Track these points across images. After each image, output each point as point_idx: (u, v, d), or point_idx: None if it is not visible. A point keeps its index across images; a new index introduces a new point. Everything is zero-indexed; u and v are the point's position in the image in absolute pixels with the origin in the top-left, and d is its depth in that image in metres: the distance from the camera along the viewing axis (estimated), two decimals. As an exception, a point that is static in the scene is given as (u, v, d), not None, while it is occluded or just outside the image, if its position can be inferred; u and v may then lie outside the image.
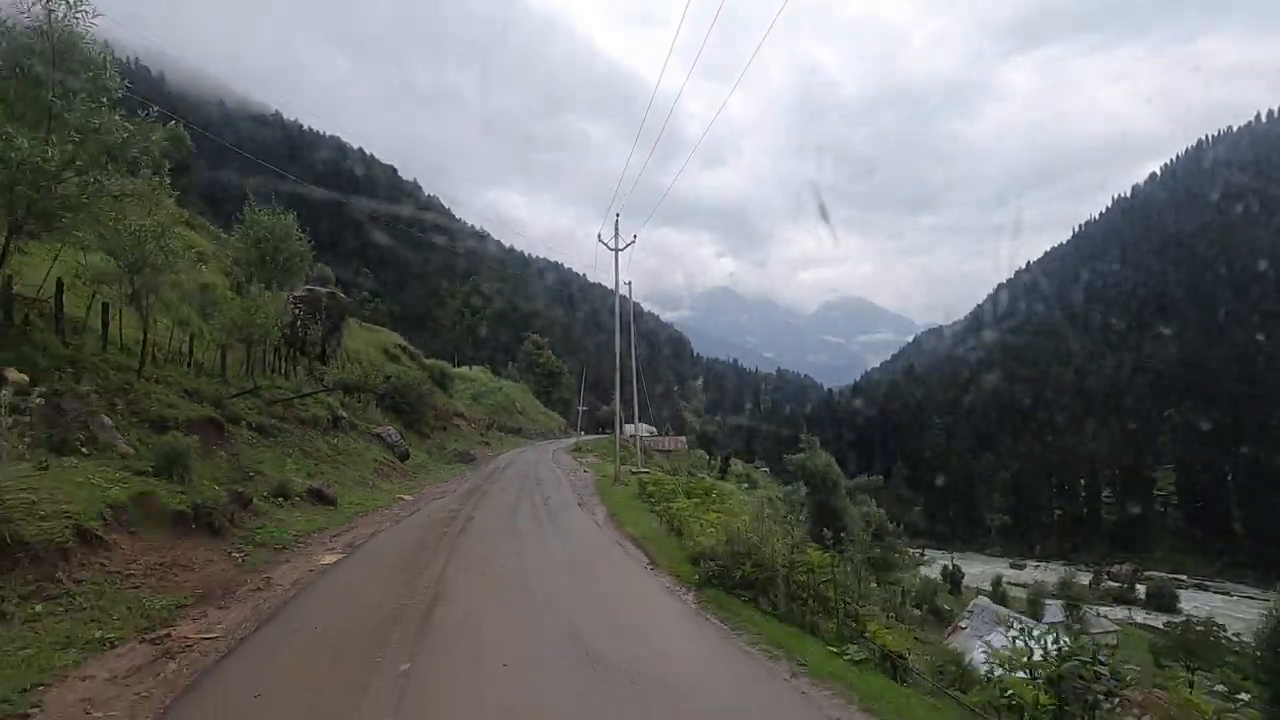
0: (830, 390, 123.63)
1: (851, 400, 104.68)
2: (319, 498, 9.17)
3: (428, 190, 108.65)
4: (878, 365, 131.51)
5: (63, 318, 8.24)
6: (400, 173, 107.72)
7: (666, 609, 5.28)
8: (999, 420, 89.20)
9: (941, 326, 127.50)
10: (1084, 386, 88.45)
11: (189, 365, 10.74)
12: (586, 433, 49.82)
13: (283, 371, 15.34)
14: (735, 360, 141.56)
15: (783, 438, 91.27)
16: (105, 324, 8.95)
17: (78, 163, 6.60)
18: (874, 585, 7.09)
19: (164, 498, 5.84)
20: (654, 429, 71.22)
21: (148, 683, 3.43)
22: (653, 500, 9.83)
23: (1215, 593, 65.47)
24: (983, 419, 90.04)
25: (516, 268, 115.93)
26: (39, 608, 3.90)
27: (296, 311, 17.15)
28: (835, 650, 4.48)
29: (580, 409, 55.00)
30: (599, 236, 16.78)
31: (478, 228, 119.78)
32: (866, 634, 4.41)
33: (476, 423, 35.78)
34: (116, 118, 6.99)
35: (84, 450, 6.52)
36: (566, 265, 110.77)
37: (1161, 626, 44.52)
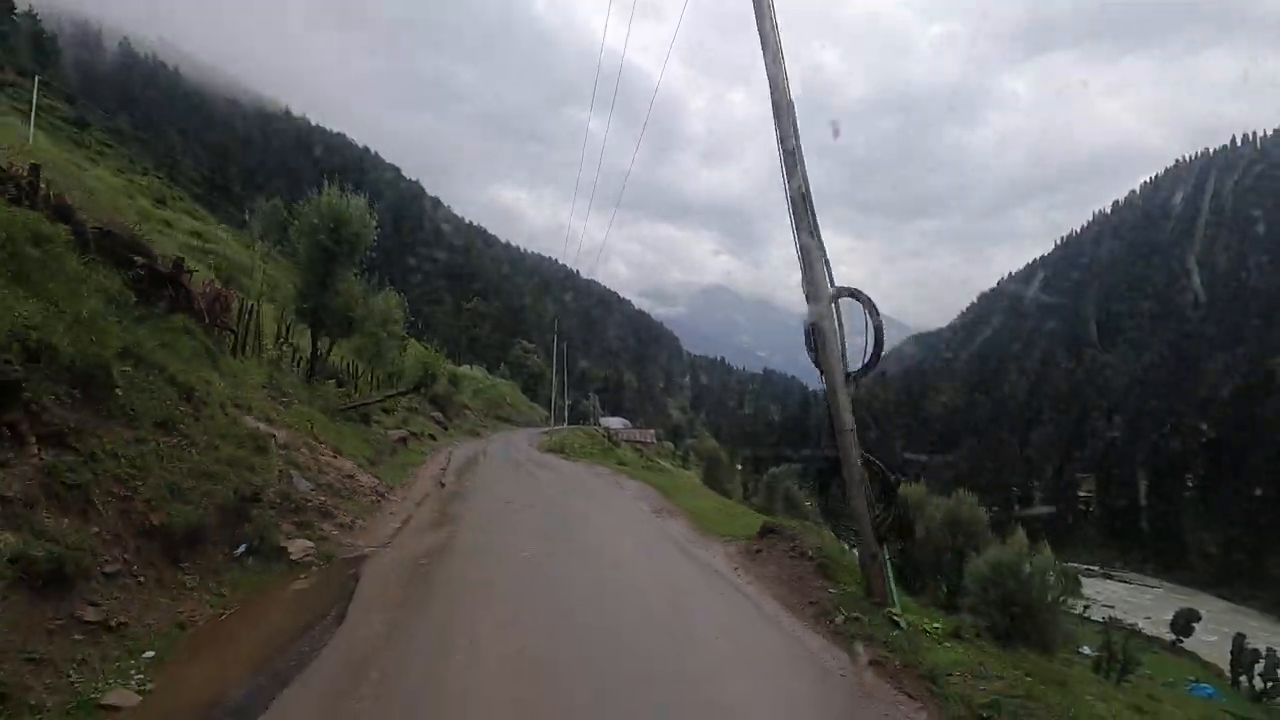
0: (815, 392, 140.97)
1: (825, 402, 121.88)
2: (432, 437, 26.68)
3: (431, 191, 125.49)
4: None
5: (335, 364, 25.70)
6: (404, 172, 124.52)
7: (536, 454, 22.74)
8: (954, 425, 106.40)
9: (924, 332, 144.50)
10: (1035, 396, 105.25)
11: (372, 381, 28.35)
12: (567, 424, 67.24)
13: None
14: (723, 359, 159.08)
15: (745, 433, 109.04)
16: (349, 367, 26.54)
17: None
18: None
19: (408, 429, 23.31)
20: (628, 422, 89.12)
21: (439, 461, 20.84)
22: (551, 440, 27.40)
23: (1119, 581, 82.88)
24: (940, 423, 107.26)
25: (513, 263, 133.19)
26: (413, 451, 21.20)
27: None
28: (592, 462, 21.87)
29: (565, 402, 72.59)
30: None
31: (476, 224, 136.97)
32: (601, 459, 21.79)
33: (477, 412, 53.32)
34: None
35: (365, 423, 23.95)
36: (560, 261, 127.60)
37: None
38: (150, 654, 4.22)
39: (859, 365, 6.17)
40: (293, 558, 6.16)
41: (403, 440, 19.29)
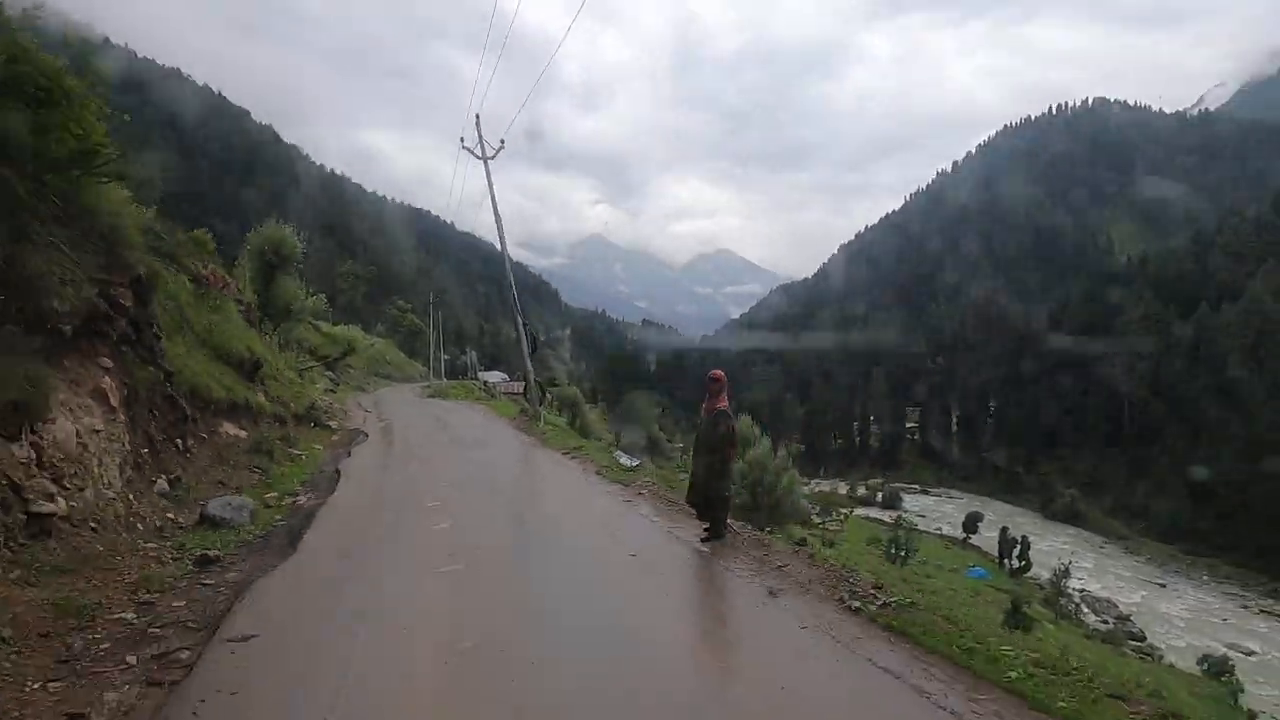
0: (689, 339, 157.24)
1: (696, 350, 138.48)
2: (332, 391, 36.63)
3: (287, 137, 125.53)
4: (737, 316, 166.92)
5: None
6: (255, 116, 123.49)
7: (422, 398, 33.69)
8: (807, 368, 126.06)
9: (791, 282, 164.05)
10: (875, 342, 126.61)
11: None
12: (446, 379, 76.88)
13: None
14: (603, 310, 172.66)
15: (620, 381, 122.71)
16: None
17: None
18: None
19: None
20: (506, 376, 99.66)
21: (352, 403, 31.20)
22: (433, 389, 38.17)
23: (933, 496, 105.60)
24: (795, 367, 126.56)
25: (382, 215, 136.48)
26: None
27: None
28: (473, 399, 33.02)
29: (443, 358, 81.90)
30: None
31: (341, 173, 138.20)
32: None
33: (359, 371, 62.22)
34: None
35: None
36: (434, 213, 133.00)
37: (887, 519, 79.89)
38: (318, 443, 15.37)
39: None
40: (332, 427, 17.24)
41: (324, 391, 29.60)
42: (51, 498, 5.84)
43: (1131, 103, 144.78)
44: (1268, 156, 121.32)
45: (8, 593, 4.56)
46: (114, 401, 7.52)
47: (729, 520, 6.70)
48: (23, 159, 6.34)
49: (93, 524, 6.29)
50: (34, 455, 5.81)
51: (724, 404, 6.52)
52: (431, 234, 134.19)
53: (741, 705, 3.50)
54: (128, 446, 7.75)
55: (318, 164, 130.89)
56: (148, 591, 5.34)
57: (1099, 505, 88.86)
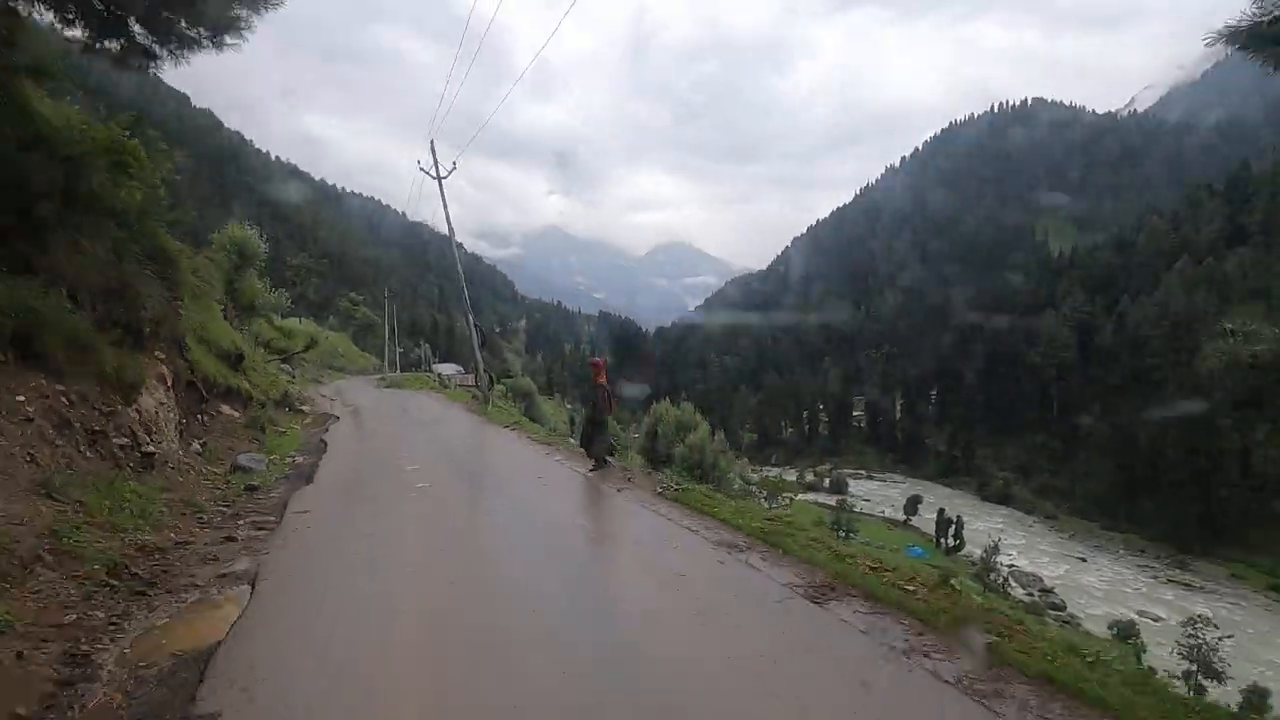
0: (645, 330, 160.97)
1: (654, 340, 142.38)
2: (291, 382, 38.97)
3: (230, 122, 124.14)
4: (694, 308, 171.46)
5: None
6: (193, 100, 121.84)
7: (380, 389, 36.38)
8: (759, 359, 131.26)
9: (745, 274, 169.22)
10: (825, 333, 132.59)
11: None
12: (400, 371, 78.81)
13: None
14: (559, 301, 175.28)
15: (578, 373, 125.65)
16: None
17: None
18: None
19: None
20: (461, 369, 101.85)
21: (313, 393, 33.70)
22: (389, 380, 40.85)
23: (877, 480, 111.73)
24: (747, 358, 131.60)
25: (332, 204, 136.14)
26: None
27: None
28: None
29: (397, 350, 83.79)
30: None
31: (286, 159, 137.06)
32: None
33: (313, 364, 64.00)
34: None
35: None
36: (386, 202, 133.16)
37: (834, 502, 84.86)
38: (296, 424, 18.29)
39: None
40: (305, 411, 20.11)
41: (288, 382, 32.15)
42: (148, 443, 8.90)
43: (1066, 103, 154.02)
44: (1190, 156, 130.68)
45: (151, 494, 7.66)
46: (168, 383, 10.54)
47: (610, 460, 10.10)
48: (116, 213, 9.31)
49: (170, 465, 9.35)
50: (138, 415, 8.85)
51: (603, 380, 9.85)
52: (384, 225, 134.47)
53: (588, 528, 6.95)
54: (175, 416, 10.77)
55: (263, 151, 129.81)
56: (224, 501, 8.47)
57: (1029, 487, 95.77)
